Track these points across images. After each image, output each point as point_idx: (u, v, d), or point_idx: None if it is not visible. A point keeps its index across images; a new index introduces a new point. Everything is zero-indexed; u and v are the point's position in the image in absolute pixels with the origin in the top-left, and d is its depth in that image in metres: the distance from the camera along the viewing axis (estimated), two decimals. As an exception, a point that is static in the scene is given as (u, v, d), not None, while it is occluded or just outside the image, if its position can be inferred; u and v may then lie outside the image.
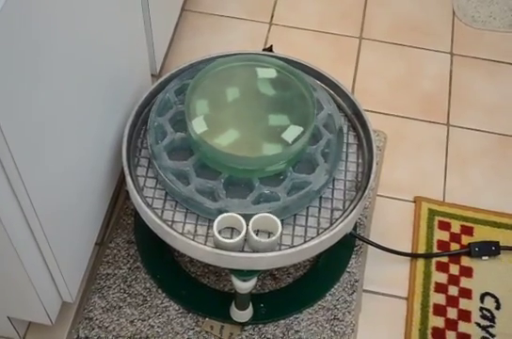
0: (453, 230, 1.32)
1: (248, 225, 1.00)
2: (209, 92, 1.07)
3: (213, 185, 1.04)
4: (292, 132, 1.04)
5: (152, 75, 1.36)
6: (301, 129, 1.04)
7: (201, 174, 1.05)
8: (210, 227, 1.05)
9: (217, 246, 1.02)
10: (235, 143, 1.04)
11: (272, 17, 1.62)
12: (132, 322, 1.19)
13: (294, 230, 1.06)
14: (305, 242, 1.04)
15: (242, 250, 1.03)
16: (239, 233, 1.01)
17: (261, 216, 1.01)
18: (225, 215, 1.01)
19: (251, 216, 1.01)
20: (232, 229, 1.04)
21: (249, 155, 1.03)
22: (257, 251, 1.02)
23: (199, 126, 1.04)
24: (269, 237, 1.03)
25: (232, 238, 1.01)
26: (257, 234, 1.02)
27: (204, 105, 1.06)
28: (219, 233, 1.01)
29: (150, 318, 1.19)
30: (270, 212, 1.02)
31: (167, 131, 1.08)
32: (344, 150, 1.14)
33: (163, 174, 1.06)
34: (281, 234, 1.03)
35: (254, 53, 1.18)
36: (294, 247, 1.03)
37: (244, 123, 1.06)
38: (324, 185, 1.07)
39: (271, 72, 1.10)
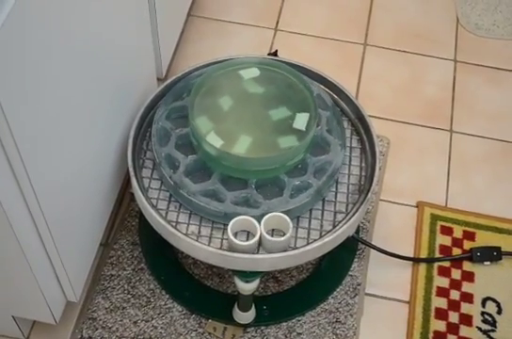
0: (455, 235, 1.33)
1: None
2: (205, 108, 1.08)
3: (247, 193, 1.05)
4: (301, 120, 1.06)
5: (158, 79, 1.37)
6: (307, 114, 1.06)
7: (231, 188, 1.05)
8: (214, 228, 1.06)
9: (232, 249, 1.03)
10: (252, 147, 1.05)
11: (277, 23, 1.64)
12: (135, 323, 1.20)
13: (297, 232, 1.07)
14: (308, 244, 1.05)
15: (255, 252, 1.03)
16: (253, 236, 1.02)
17: (271, 215, 1.02)
18: (239, 218, 1.02)
19: (289, 212, 1.03)
20: (236, 232, 1.05)
21: (272, 154, 1.04)
22: (271, 252, 1.03)
23: (215, 141, 1.04)
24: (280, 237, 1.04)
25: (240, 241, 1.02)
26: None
27: (207, 121, 1.07)
28: (234, 235, 1.02)
29: (153, 319, 1.20)
30: (307, 202, 1.04)
31: (178, 158, 1.08)
32: (348, 154, 1.15)
33: (195, 199, 1.05)
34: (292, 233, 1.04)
35: (230, 58, 1.17)
36: (296, 248, 1.04)
37: (250, 127, 1.07)
38: (343, 160, 1.10)
39: (254, 72, 1.12)
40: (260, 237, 1.01)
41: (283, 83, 1.11)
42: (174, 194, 1.08)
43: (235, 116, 1.09)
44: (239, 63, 1.13)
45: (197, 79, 1.11)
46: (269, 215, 1.02)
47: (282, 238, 1.01)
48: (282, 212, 1.03)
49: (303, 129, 1.06)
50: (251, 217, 1.02)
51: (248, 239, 1.04)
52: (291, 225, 1.01)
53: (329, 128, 1.11)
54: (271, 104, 1.09)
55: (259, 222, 1.01)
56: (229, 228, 1.01)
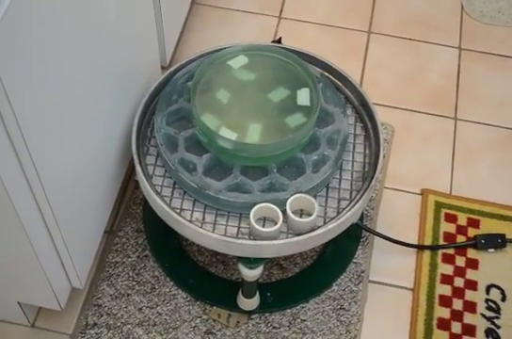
0: (459, 222, 1.33)
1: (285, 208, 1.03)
2: (207, 105, 1.06)
3: (271, 179, 1.05)
4: (303, 95, 1.07)
5: (162, 67, 1.37)
6: (307, 89, 1.07)
7: (254, 177, 1.05)
8: (218, 215, 1.06)
9: (255, 236, 1.04)
10: (265, 133, 1.05)
11: (281, 11, 1.63)
12: (140, 309, 1.21)
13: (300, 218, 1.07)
14: (312, 230, 1.05)
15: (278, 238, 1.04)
16: (272, 223, 1.04)
17: (297, 197, 1.03)
18: (261, 205, 1.02)
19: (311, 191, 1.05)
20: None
21: (286, 137, 1.03)
22: (299, 234, 1.04)
23: (229, 135, 1.03)
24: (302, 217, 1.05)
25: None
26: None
27: (212, 117, 1.05)
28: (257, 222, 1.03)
29: (158, 306, 1.21)
30: (329, 174, 1.07)
31: (192, 160, 1.07)
32: (352, 141, 1.15)
33: (223, 197, 1.05)
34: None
35: (217, 49, 1.17)
36: (301, 235, 1.04)
37: (256, 114, 1.07)
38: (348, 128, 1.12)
39: (242, 59, 1.11)
40: (286, 221, 1.02)
41: (274, 65, 1.11)
42: (199, 197, 1.06)
43: (237, 106, 1.08)
44: (226, 54, 1.11)
45: (186, 82, 1.11)
46: (294, 197, 1.03)
47: (310, 218, 1.02)
48: (307, 190, 1.04)
49: (308, 104, 1.06)
50: (282, 200, 1.03)
51: (264, 226, 1.05)
52: (316, 204, 1.02)
53: (326, 99, 1.11)
54: (268, 88, 1.09)
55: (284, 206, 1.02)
56: (251, 216, 1.02)
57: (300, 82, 1.09)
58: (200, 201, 1.07)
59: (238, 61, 1.11)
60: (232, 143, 1.03)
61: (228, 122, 1.05)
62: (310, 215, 1.04)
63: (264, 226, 1.05)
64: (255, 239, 1.04)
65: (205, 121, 1.04)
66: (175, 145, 1.08)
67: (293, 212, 1.03)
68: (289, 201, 1.03)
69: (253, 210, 1.02)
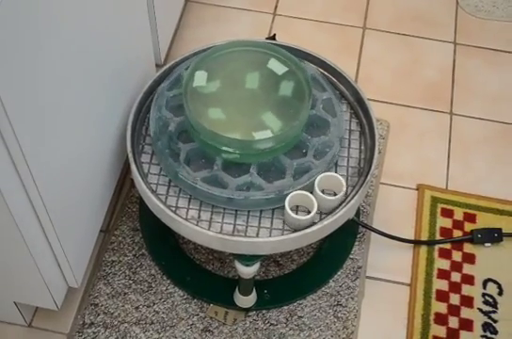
0: (455, 217, 1.33)
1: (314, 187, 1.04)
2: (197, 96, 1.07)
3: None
4: (274, 65, 1.09)
5: (157, 65, 1.37)
6: (284, 67, 1.09)
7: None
8: (213, 212, 1.06)
9: (290, 224, 1.05)
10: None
11: (276, 7, 1.63)
12: (137, 308, 1.20)
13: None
14: (308, 227, 1.05)
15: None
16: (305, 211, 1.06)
17: (325, 175, 1.05)
18: (296, 192, 1.03)
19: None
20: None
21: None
22: (327, 213, 1.05)
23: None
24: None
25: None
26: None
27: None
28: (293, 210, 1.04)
29: (155, 304, 1.21)
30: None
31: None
32: (347, 137, 1.15)
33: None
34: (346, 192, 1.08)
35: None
36: (296, 231, 1.04)
37: (237, 107, 1.08)
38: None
39: (202, 74, 1.10)
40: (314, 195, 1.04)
41: (256, 58, 1.11)
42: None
43: (223, 101, 1.08)
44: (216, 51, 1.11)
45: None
46: (322, 175, 1.05)
47: (336, 196, 1.05)
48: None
49: (279, 73, 1.08)
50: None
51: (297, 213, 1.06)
52: (343, 182, 1.05)
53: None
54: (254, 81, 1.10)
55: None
56: (286, 204, 1.02)
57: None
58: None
59: (200, 78, 1.09)
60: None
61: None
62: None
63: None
64: (289, 228, 1.05)
65: (192, 110, 1.05)
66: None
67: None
68: (317, 179, 1.04)
69: (288, 198, 1.03)
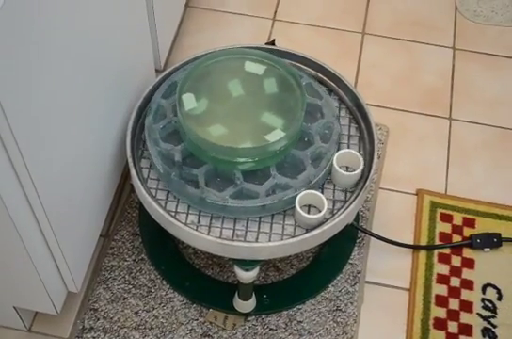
0: (455, 222, 1.33)
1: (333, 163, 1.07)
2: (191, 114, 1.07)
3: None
4: (252, 67, 1.10)
5: (157, 71, 1.37)
6: (262, 66, 1.09)
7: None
8: (213, 217, 1.06)
9: (300, 223, 1.05)
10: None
11: (275, 13, 1.63)
12: (136, 313, 1.21)
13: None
14: (307, 232, 1.05)
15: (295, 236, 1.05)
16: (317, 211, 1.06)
17: (341, 153, 1.08)
18: (307, 192, 1.04)
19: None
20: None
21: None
22: (344, 190, 1.09)
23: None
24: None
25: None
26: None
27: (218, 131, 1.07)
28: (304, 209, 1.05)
29: (154, 309, 1.21)
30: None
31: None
32: (346, 142, 1.15)
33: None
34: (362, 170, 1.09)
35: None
36: (295, 236, 1.04)
37: (236, 119, 1.08)
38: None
39: (190, 97, 1.10)
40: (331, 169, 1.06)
41: (232, 66, 1.11)
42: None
43: (219, 115, 1.08)
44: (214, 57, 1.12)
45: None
46: (342, 151, 1.08)
47: (355, 172, 1.07)
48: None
49: (259, 73, 1.09)
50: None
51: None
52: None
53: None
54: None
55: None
56: (296, 201, 1.03)
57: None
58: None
59: (188, 101, 1.08)
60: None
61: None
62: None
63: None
64: (300, 227, 1.05)
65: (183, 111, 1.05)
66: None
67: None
68: (336, 155, 1.07)
69: (298, 198, 1.03)
